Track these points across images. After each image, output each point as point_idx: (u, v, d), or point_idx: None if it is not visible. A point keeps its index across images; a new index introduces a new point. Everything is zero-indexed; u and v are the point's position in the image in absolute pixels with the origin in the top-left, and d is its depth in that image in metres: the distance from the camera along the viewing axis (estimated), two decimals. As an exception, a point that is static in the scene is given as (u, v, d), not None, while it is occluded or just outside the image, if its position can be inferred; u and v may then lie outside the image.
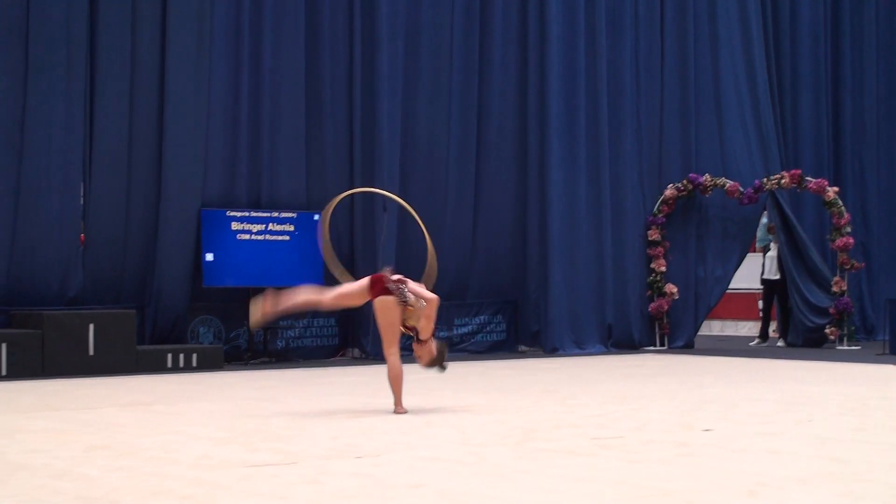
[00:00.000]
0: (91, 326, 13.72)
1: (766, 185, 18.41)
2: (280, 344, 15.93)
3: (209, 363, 14.41)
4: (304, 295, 9.74)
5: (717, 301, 19.22)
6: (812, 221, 19.76)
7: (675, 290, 18.41)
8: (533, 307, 17.80)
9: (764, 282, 19.67)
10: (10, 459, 7.05)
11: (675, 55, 19.05)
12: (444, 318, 16.73)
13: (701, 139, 19.13)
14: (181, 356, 14.30)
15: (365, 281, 9.71)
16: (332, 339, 16.44)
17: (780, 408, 9.93)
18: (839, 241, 18.16)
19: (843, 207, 18.32)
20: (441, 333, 16.72)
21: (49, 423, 9.03)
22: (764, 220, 19.56)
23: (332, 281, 16.10)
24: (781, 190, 18.53)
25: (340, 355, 16.44)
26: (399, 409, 9.48)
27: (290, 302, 9.66)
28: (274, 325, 15.64)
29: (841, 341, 18.20)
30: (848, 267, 18.24)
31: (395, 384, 9.53)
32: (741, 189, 18.40)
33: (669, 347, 18.37)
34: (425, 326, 9.48)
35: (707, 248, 18.94)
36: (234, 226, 15.36)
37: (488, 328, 17.44)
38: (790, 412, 9.59)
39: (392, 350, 9.47)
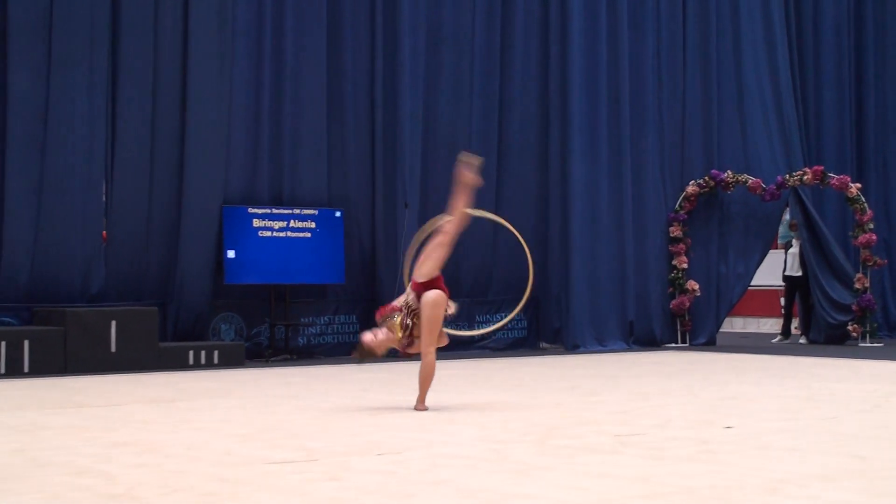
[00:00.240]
0: (113, 323, 13.76)
1: (788, 181, 18.35)
2: (301, 341, 15.95)
3: (231, 360, 14.44)
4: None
5: (738, 298, 19.17)
6: (834, 218, 19.69)
7: (696, 286, 18.37)
8: (554, 304, 17.78)
9: (786, 278, 19.61)
10: (33, 456, 7.07)
11: (697, 50, 19.00)
12: (465, 315, 16.77)
13: (723, 135, 19.07)
14: (203, 353, 14.32)
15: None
16: (353, 336, 16.40)
17: (802, 405, 9.90)
18: (862, 238, 18.10)
19: (865, 204, 18.25)
20: (461, 325, 16.70)
21: (71, 419, 9.05)
22: (786, 216, 19.50)
23: (352, 277, 16.19)
24: (804, 186, 18.46)
25: (362, 352, 16.43)
26: (421, 406, 9.48)
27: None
28: (295, 323, 15.68)
29: (863, 338, 18.13)
30: (870, 263, 18.18)
31: (427, 382, 9.49)
32: (763, 185, 18.34)
33: (691, 344, 18.32)
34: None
35: (729, 245, 18.88)
36: (256, 223, 15.38)
37: (509, 325, 17.42)
38: (812, 409, 9.56)
39: (432, 348, 9.43)
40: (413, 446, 7.45)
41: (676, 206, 18.60)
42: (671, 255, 18.54)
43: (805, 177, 18.27)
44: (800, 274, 19.15)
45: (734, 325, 22.93)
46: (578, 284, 17.60)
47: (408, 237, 15.90)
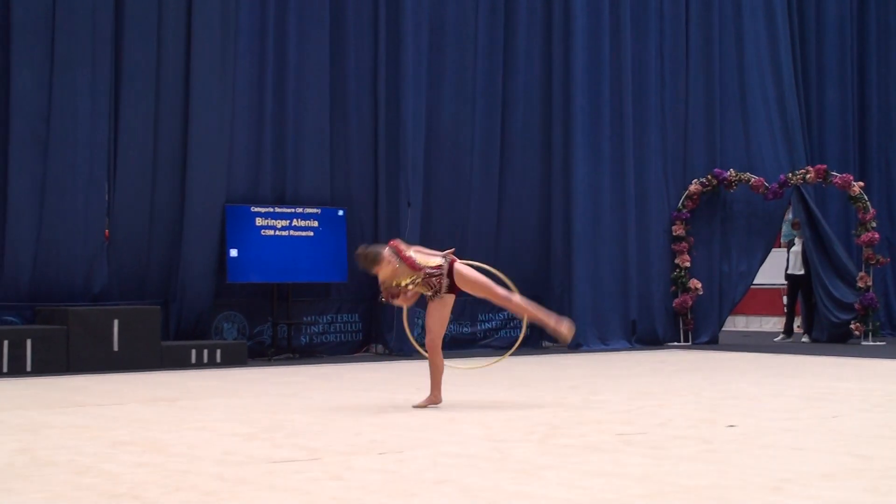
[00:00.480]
0: (115, 322, 13.76)
1: (791, 179, 18.34)
2: (303, 340, 15.95)
3: (233, 359, 14.44)
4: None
5: (741, 296, 19.17)
6: (837, 216, 19.69)
7: (699, 285, 18.37)
8: (557, 302, 17.76)
9: (788, 277, 19.61)
10: (35, 455, 7.08)
11: (699, 49, 19.00)
12: (467, 314, 16.79)
13: (726, 134, 19.07)
14: (205, 352, 14.33)
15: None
16: (355, 335, 16.45)
17: (805, 404, 9.90)
18: (864, 237, 18.10)
19: (868, 202, 18.25)
20: (464, 330, 16.78)
21: (73, 418, 9.06)
22: (789, 215, 19.49)
23: (355, 276, 16.20)
24: (806, 185, 18.46)
25: (364, 351, 16.46)
26: (428, 402, 9.61)
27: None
28: (298, 321, 15.68)
29: (866, 337, 18.13)
30: (873, 262, 18.18)
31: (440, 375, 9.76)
32: (766, 184, 18.33)
33: (693, 343, 18.32)
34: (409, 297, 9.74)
35: (731, 244, 18.87)
36: (259, 221, 15.38)
37: (512, 324, 17.41)
38: (815, 408, 9.56)
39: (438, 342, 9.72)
40: (415, 445, 7.45)
41: (679, 204, 18.60)
42: (674, 254, 18.54)
43: (808, 175, 18.27)
44: (802, 272, 19.14)
45: (737, 323, 22.92)
46: (581, 283, 17.60)
47: (410, 236, 15.94)
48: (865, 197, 18.26)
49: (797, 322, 19.99)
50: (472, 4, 17.27)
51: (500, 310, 17.27)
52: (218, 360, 14.34)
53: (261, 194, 15.66)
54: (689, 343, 18.31)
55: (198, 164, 15.00)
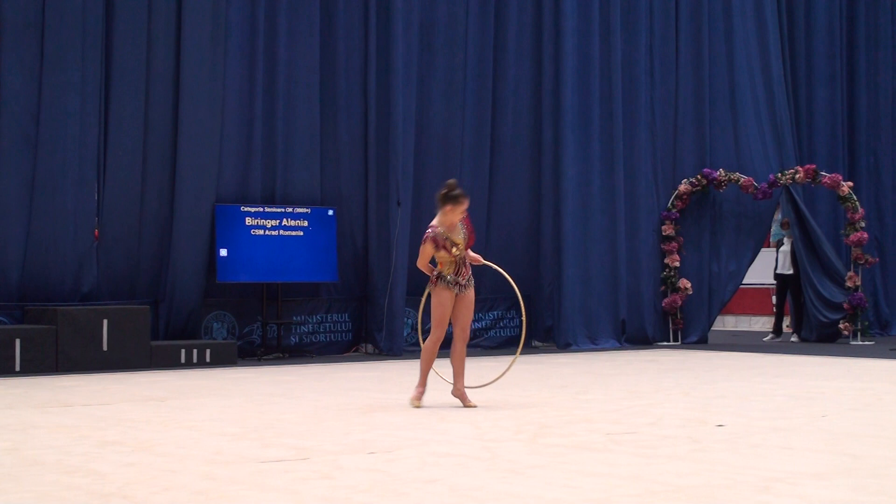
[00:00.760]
0: (105, 322, 13.74)
1: (780, 179, 18.37)
2: (293, 339, 15.94)
3: (223, 359, 14.43)
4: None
5: (730, 296, 19.20)
6: (826, 216, 19.74)
7: (688, 285, 18.40)
8: (546, 302, 17.80)
9: (777, 277, 19.64)
10: (24, 455, 7.07)
11: (689, 49, 19.03)
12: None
13: (715, 134, 19.10)
14: (195, 352, 14.31)
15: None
16: (345, 335, 16.45)
17: (794, 403, 9.92)
18: (853, 236, 18.14)
19: (857, 202, 18.30)
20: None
21: (62, 418, 9.04)
22: (778, 215, 19.52)
23: (345, 276, 16.19)
24: (796, 185, 18.49)
25: (354, 351, 16.45)
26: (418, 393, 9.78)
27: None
28: (288, 321, 15.68)
29: (855, 336, 18.17)
30: (862, 262, 18.22)
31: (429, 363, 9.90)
32: (755, 184, 18.36)
33: (683, 343, 18.35)
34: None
35: (721, 244, 18.90)
36: (249, 221, 15.36)
37: (502, 323, 17.43)
38: (804, 407, 9.58)
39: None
40: (405, 445, 7.45)
41: (669, 204, 18.62)
42: (663, 254, 18.57)
43: (797, 175, 18.30)
44: (791, 272, 19.18)
45: (726, 323, 22.96)
46: (570, 282, 17.61)
47: (401, 235, 15.93)
48: (854, 197, 18.30)
49: (786, 322, 20.03)
50: (463, 4, 17.26)
51: (490, 309, 17.33)
52: (207, 359, 14.32)
53: (251, 194, 15.64)
54: (679, 342, 18.34)
55: (188, 163, 14.98)
